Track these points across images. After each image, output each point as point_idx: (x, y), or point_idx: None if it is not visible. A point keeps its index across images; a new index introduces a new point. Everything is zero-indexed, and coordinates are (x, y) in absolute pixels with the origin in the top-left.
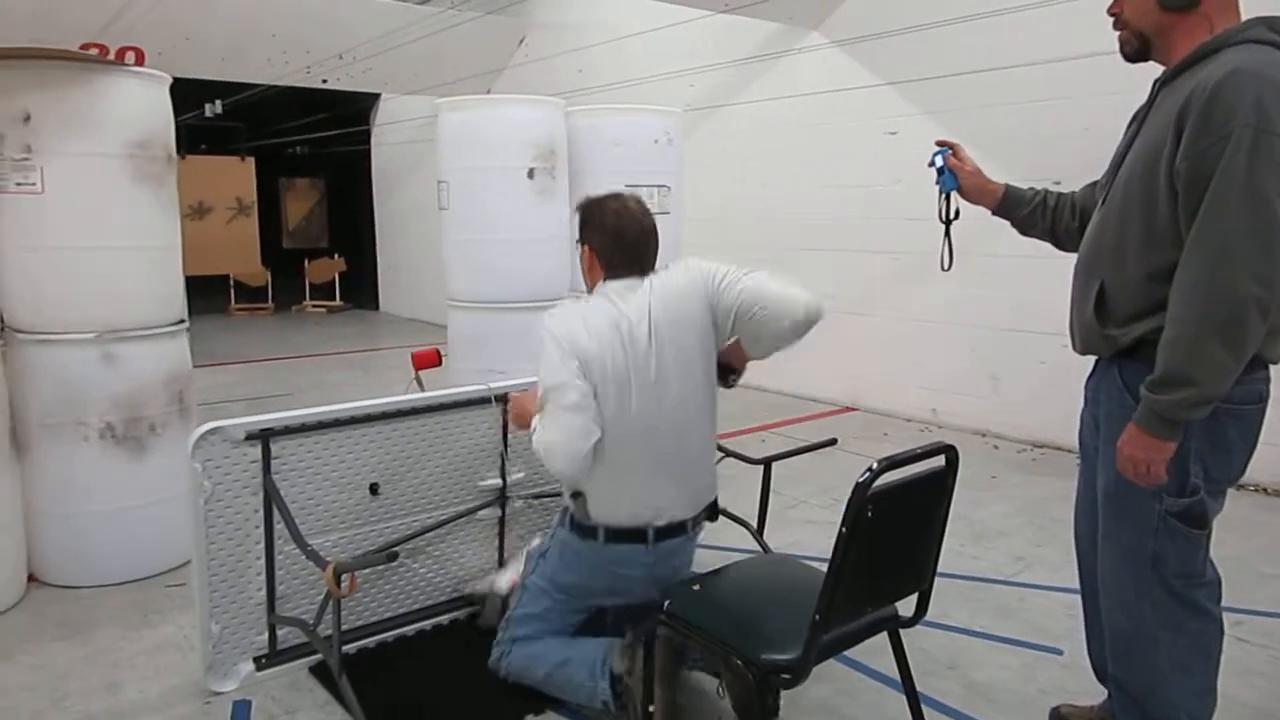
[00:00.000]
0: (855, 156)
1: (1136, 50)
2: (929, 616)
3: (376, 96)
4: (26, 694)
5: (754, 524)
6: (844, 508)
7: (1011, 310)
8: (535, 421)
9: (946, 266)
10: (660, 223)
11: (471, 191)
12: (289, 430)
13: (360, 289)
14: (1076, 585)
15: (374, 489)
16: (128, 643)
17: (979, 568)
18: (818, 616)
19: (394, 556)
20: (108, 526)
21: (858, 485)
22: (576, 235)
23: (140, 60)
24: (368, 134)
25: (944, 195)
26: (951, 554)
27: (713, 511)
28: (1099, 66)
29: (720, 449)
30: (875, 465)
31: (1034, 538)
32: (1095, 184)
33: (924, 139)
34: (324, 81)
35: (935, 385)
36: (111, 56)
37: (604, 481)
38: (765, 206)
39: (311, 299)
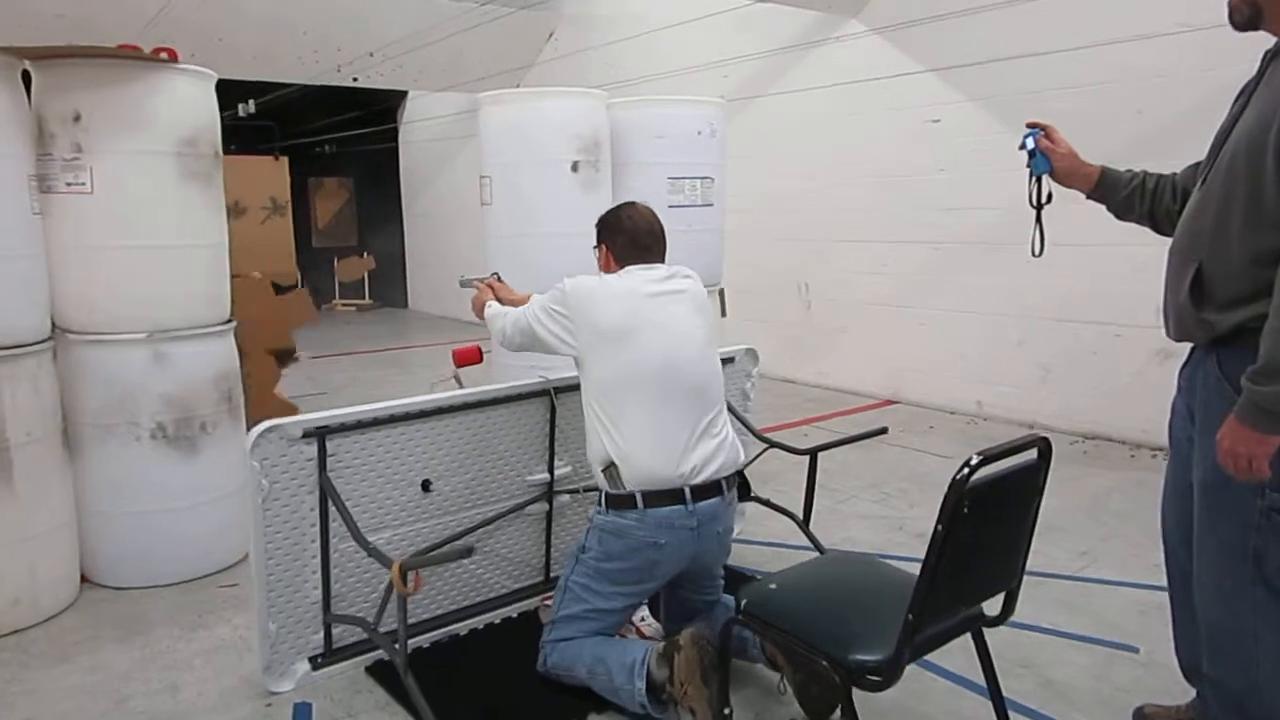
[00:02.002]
0: (897, 145)
1: (1247, 19)
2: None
3: (404, 94)
4: (89, 696)
5: (801, 516)
6: (902, 512)
7: (1062, 300)
8: (495, 307)
9: (1038, 252)
10: (703, 215)
11: (514, 186)
12: (344, 428)
13: (389, 287)
14: (1146, 580)
15: (426, 485)
16: (184, 644)
17: (1040, 563)
18: (910, 615)
19: (469, 551)
20: (160, 526)
21: (954, 481)
22: (594, 241)
23: (173, 60)
24: (395, 132)
25: (1035, 179)
26: None
27: (744, 485)
28: (1150, 49)
29: (765, 440)
30: (973, 460)
31: (1096, 532)
32: (1198, 165)
33: (968, 126)
34: (355, 80)
35: (980, 377)
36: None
37: (634, 438)
38: (804, 197)
39: (341, 297)
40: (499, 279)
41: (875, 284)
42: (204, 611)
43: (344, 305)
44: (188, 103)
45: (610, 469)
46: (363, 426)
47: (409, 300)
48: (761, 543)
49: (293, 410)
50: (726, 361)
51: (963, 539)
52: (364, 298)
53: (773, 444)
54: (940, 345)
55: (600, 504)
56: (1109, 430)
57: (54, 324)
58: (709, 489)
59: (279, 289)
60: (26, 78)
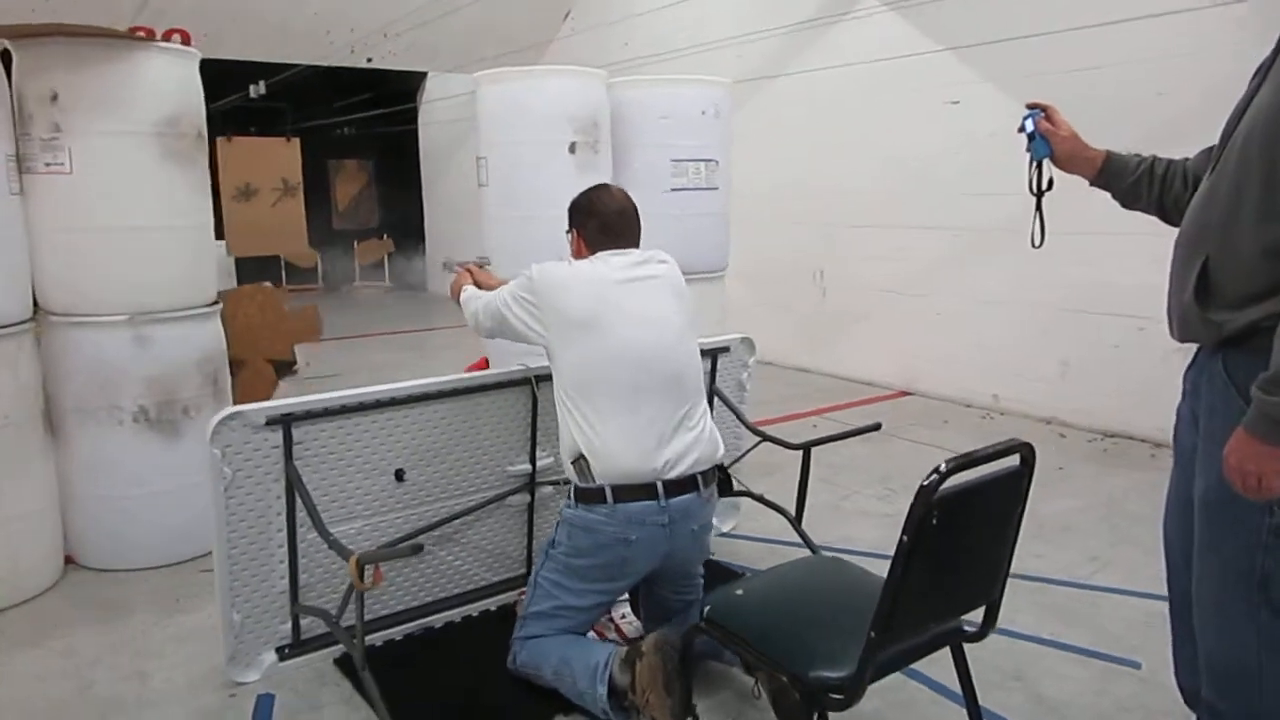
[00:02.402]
0: (913, 128)
1: None
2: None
3: (423, 75)
4: (54, 681)
5: (793, 513)
6: (906, 510)
7: (1083, 290)
8: (470, 291)
9: (1038, 243)
10: (706, 199)
11: (511, 167)
12: (310, 415)
13: (409, 269)
14: (1156, 590)
15: (400, 475)
16: (159, 629)
17: (1046, 567)
18: (873, 633)
19: (418, 549)
20: (143, 510)
21: (921, 489)
22: (566, 226)
23: (186, 42)
24: (415, 113)
25: (1035, 163)
26: (1016, 552)
27: (725, 480)
28: (1172, 26)
29: (758, 433)
30: (943, 466)
31: (1108, 536)
32: (1211, 149)
33: (987, 107)
34: (369, 60)
35: (998, 369)
36: (159, 39)
37: (605, 431)
38: (817, 181)
39: (361, 279)
40: (483, 265)
41: (892, 271)
42: (182, 596)
43: (364, 287)
44: (169, 82)
45: (580, 461)
46: (330, 414)
47: (429, 283)
48: (755, 539)
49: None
50: (721, 351)
51: (932, 552)
52: (383, 280)
53: (766, 437)
54: (957, 336)
55: (570, 497)
56: (1130, 428)
57: (36, 305)
58: (684, 484)
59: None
60: (7, 58)
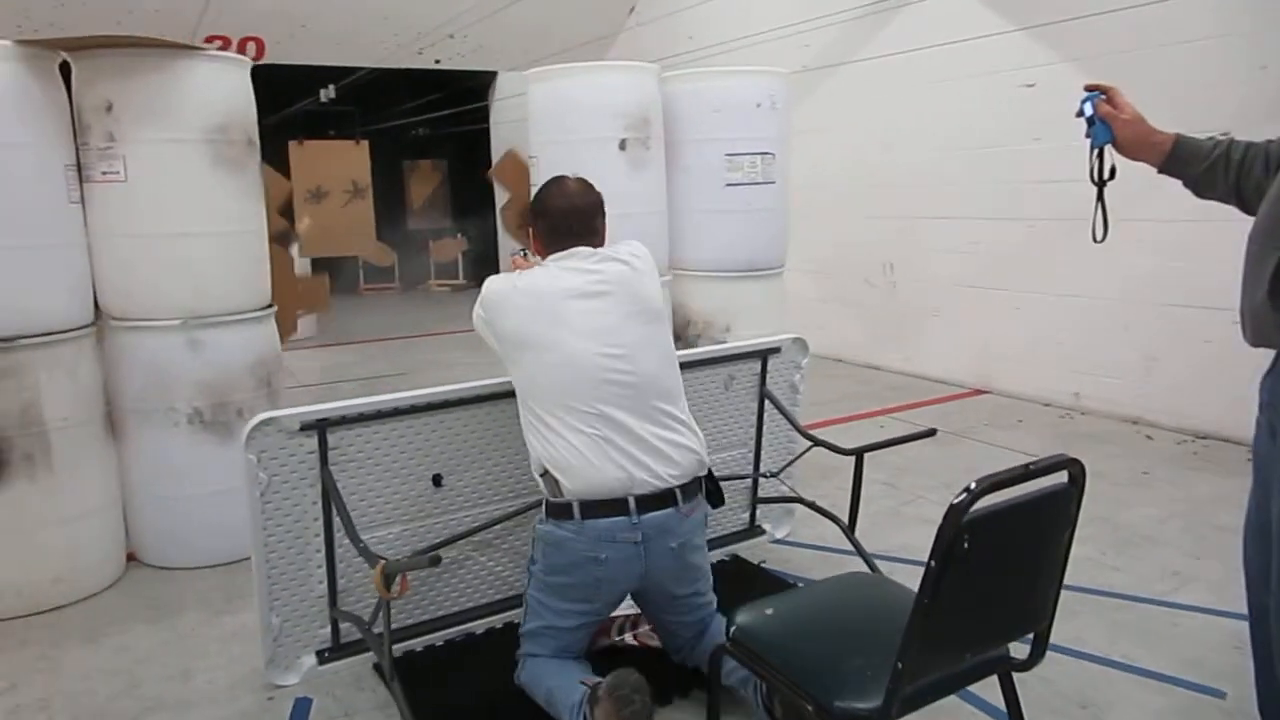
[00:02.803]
0: (986, 114)
1: None
2: (1056, 640)
3: (493, 74)
4: (105, 678)
5: (846, 522)
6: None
7: (1172, 283)
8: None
9: (1100, 237)
10: (762, 193)
11: (560, 166)
12: (346, 420)
13: (483, 267)
14: (1244, 610)
15: (437, 481)
16: (208, 628)
17: (1122, 582)
18: (899, 664)
19: (436, 561)
20: (199, 509)
21: (951, 510)
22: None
23: (260, 50)
24: (486, 112)
25: (1095, 150)
26: (1088, 563)
27: (713, 491)
28: None
29: (809, 437)
30: (973, 486)
31: (1192, 548)
32: None
33: (1067, 89)
34: (436, 62)
35: (1079, 366)
36: (234, 47)
37: (567, 444)
38: (888, 172)
39: (436, 278)
40: (525, 254)
41: (965, 264)
42: (234, 595)
43: (438, 285)
44: (218, 89)
45: (548, 475)
46: (365, 419)
47: None
48: (810, 546)
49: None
50: (772, 352)
51: (964, 577)
52: (457, 278)
53: (817, 442)
54: (1035, 330)
55: (542, 512)
56: (1223, 429)
57: (98, 309)
58: (659, 499)
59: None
60: (67, 70)
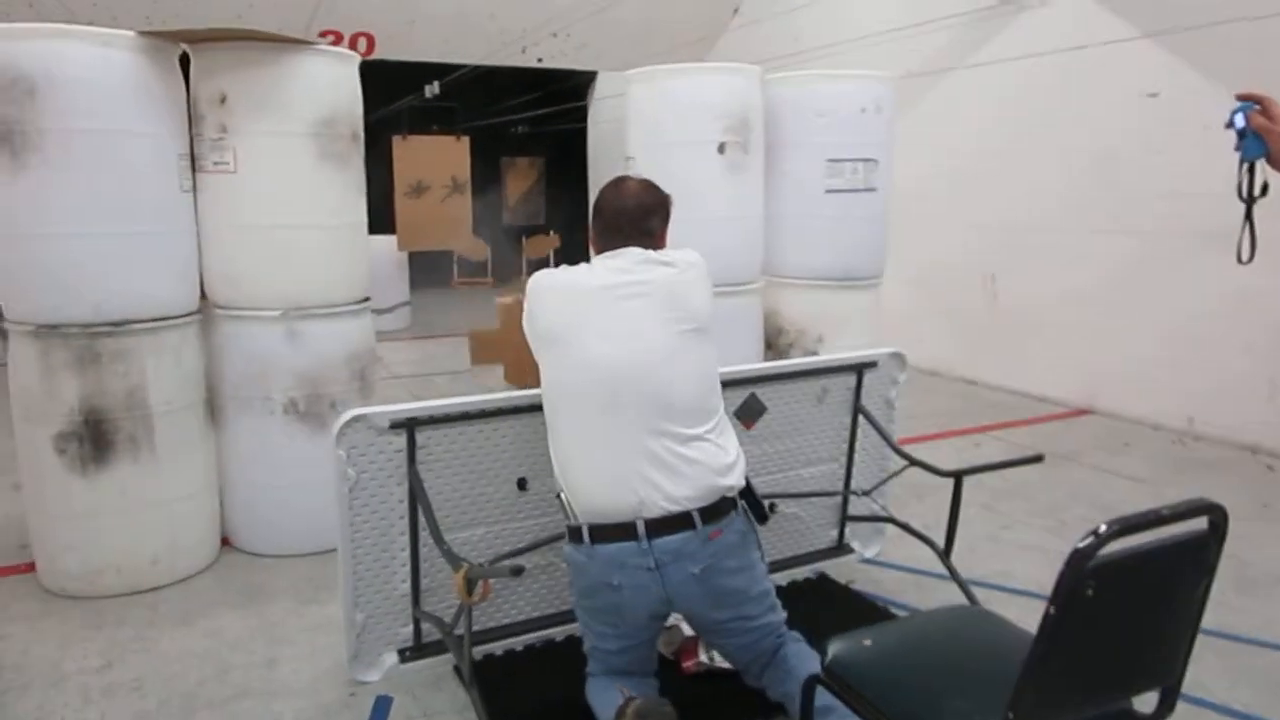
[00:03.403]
0: (1103, 123)
1: None
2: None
3: (593, 74)
4: (195, 661)
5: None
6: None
7: None
8: None
9: (1247, 258)
10: (864, 201)
11: (658, 168)
12: (434, 420)
13: (573, 263)
14: None
15: (522, 484)
16: (296, 617)
17: (1246, 625)
18: (1011, 714)
19: (518, 571)
20: (290, 498)
21: (1075, 554)
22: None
23: (371, 45)
24: (584, 112)
25: (1246, 165)
26: (1210, 603)
27: (755, 505)
28: None
29: (905, 456)
30: (1102, 529)
31: None
32: None
33: (1192, 98)
34: (539, 60)
35: (1194, 389)
36: (345, 42)
37: (576, 463)
38: (993, 181)
39: (528, 273)
40: None
41: (1073, 278)
42: (322, 586)
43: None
44: (326, 84)
45: (563, 495)
46: (452, 420)
47: None
48: (901, 568)
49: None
50: (868, 366)
51: (1086, 626)
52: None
53: (913, 461)
54: (1147, 350)
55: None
56: None
57: (205, 298)
58: (672, 522)
59: None
60: (184, 62)
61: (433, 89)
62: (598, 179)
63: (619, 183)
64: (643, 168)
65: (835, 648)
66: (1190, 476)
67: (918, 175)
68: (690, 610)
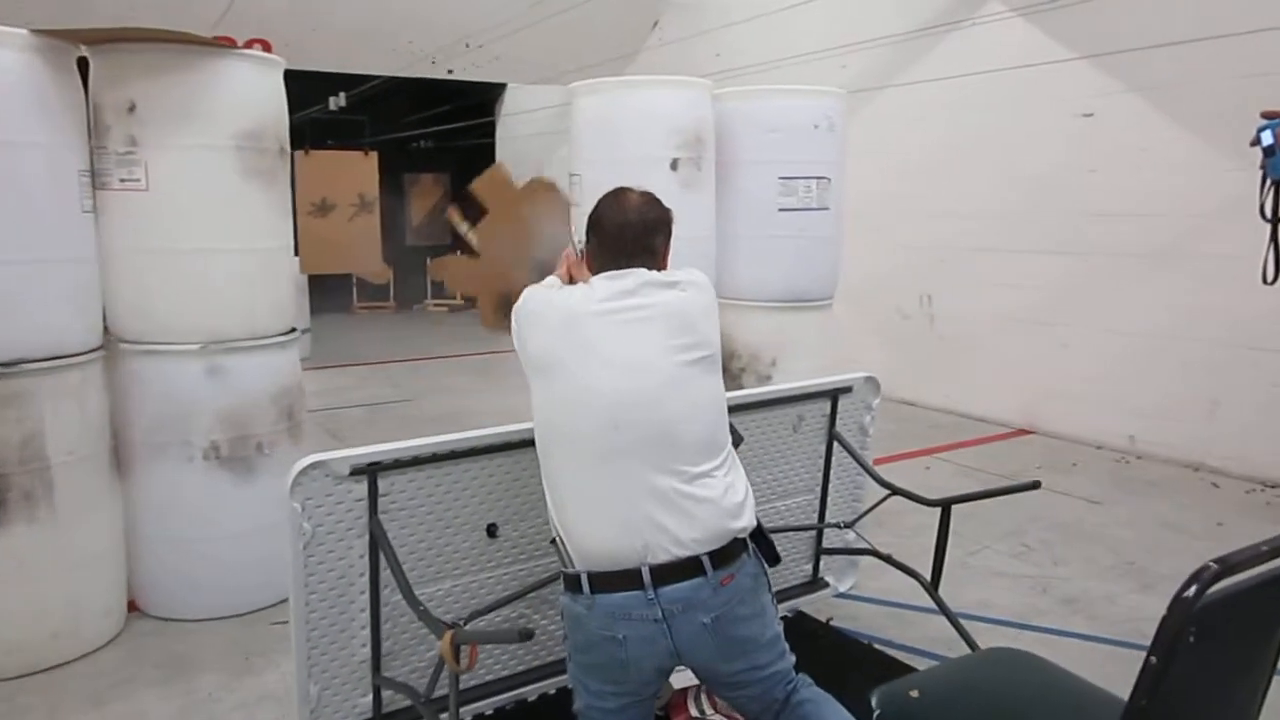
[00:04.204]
0: (1038, 143)
1: None
2: None
3: (502, 87)
4: None
5: (927, 576)
6: (1047, 569)
7: (1235, 321)
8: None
9: (1271, 279)
10: (817, 220)
11: (608, 185)
12: (399, 464)
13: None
14: None
15: (492, 531)
16: (227, 692)
17: None
18: None
19: (529, 635)
20: (213, 554)
21: (1176, 601)
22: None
23: (268, 52)
24: (492, 127)
25: (1271, 184)
26: None
27: (767, 546)
28: None
29: (888, 486)
30: (1212, 567)
31: None
32: None
33: (1127, 120)
34: (449, 72)
35: (1134, 408)
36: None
37: (573, 504)
38: (929, 200)
39: (433, 297)
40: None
41: (1010, 297)
42: (253, 653)
43: (436, 305)
44: (251, 93)
45: (558, 540)
46: (420, 463)
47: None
48: (879, 601)
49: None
50: (843, 391)
51: (1187, 676)
52: (456, 298)
53: (897, 491)
54: (1086, 369)
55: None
56: None
57: (106, 331)
58: (681, 568)
59: None
60: (84, 66)
61: (338, 101)
62: None
63: (618, 195)
64: (590, 186)
65: (882, 701)
66: (1140, 496)
67: (853, 193)
68: (700, 663)
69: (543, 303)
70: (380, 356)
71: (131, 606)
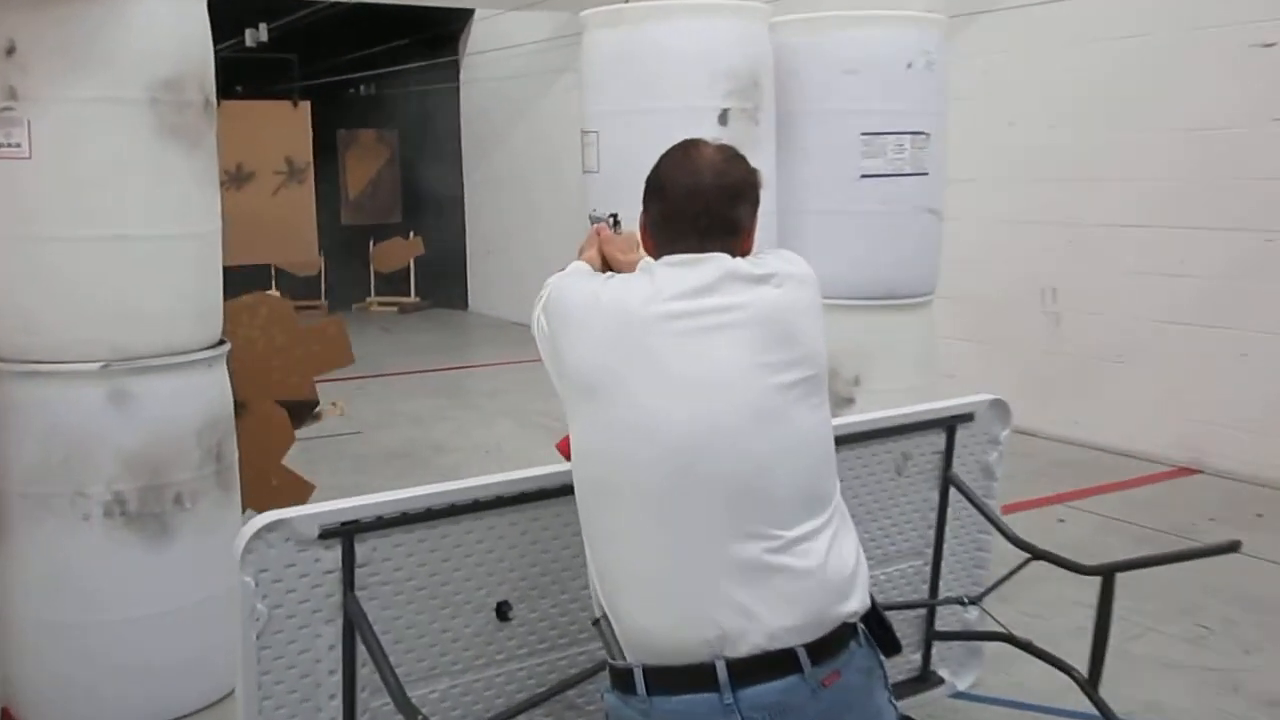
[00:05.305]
0: (1203, 83)
1: None
2: None
3: (468, 15)
4: None
5: (1084, 671)
6: (1235, 661)
7: None
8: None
9: None
10: (914, 188)
11: (635, 146)
12: (383, 523)
13: (443, 280)
14: None
15: (503, 611)
16: None
17: None
18: None
19: None
20: (116, 643)
21: None
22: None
23: None
24: (456, 68)
25: None
26: None
27: (883, 635)
28: None
29: (1028, 548)
30: None
31: None
32: None
33: None
34: None
35: None
36: None
37: (625, 576)
38: (1053, 161)
39: (378, 294)
40: (616, 224)
41: (1167, 290)
42: None
43: (382, 305)
44: (167, 30)
45: (604, 621)
46: (410, 521)
47: (469, 299)
48: (1008, 703)
49: (306, 491)
50: (961, 420)
51: None
52: (409, 294)
53: (1040, 555)
54: (1272, 386)
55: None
56: None
57: None
58: (769, 663)
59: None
60: None
61: (258, 34)
62: (476, 158)
63: (689, 150)
64: (610, 147)
65: None
66: None
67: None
68: None
69: (587, 299)
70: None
71: (5, 716)
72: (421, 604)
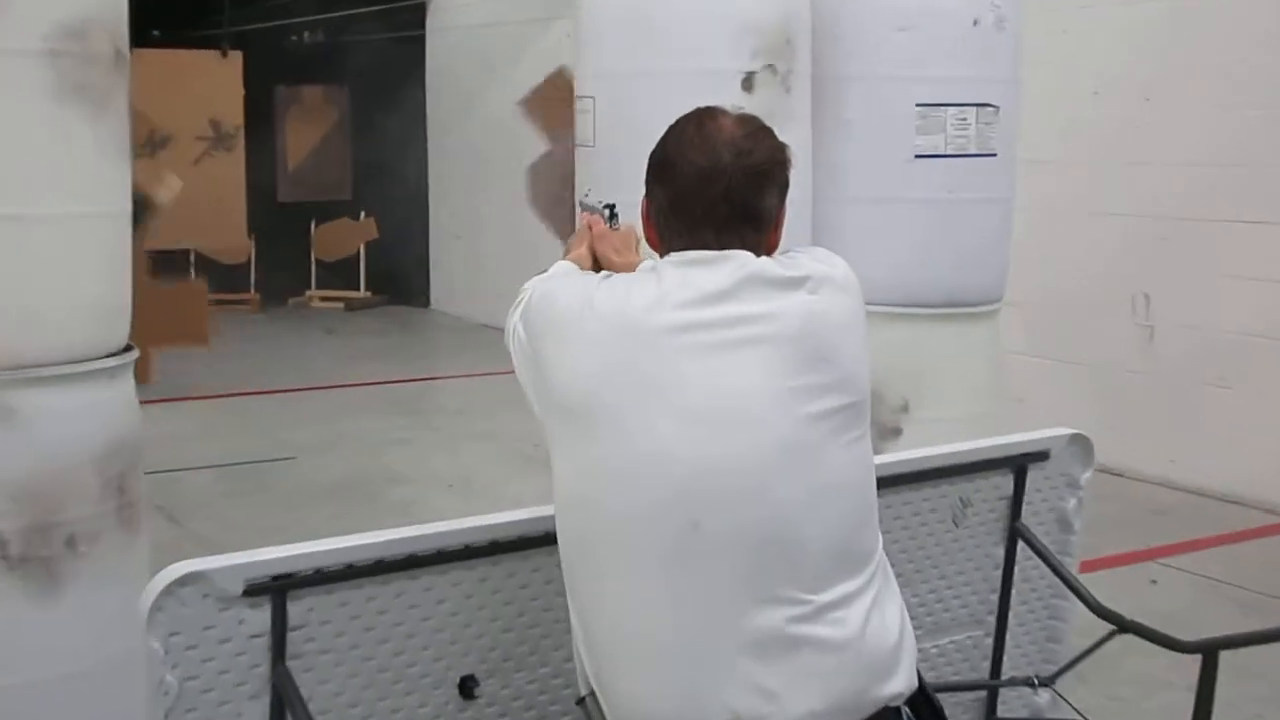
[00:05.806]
0: None
1: None
2: None
3: None
4: None
5: None
6: None
7: None
8: (558, 267)
9: None
10: (980, 173)
11: (640, 115)
12: (322, 578)
13: (401, 271)
14: None
15: (467, 688)
16: None
17: None
18: None
19: None
20: None
21: None
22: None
23: None
24: (421, 12)
25: None
26: None
27: (928, 716)
28: None
29: (1107, 616)
30: None
31: None
32: None
33: None
34: None
35: None
36: None
37: (619, 645)
38: (1142, 139)
39: (320, 287)
40: (612, 216)
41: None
42: None
43: (326, 300)
44: None
45: (591, 699)
46: (355, 575)
47: (431, 295)
48: None
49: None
50: (1034, 460)
51: None
52: (359, 288)
53: (1127, 626)
54: None
55: None
56: None
57: None
58: None
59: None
60: None
61: None
62: (444, 123)
63: (704, 122)
64: (610, 116)
65: None
66: None
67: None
68: None
69: (576, 304)
70: (237, 384)
71: None
72: (368, 677)
